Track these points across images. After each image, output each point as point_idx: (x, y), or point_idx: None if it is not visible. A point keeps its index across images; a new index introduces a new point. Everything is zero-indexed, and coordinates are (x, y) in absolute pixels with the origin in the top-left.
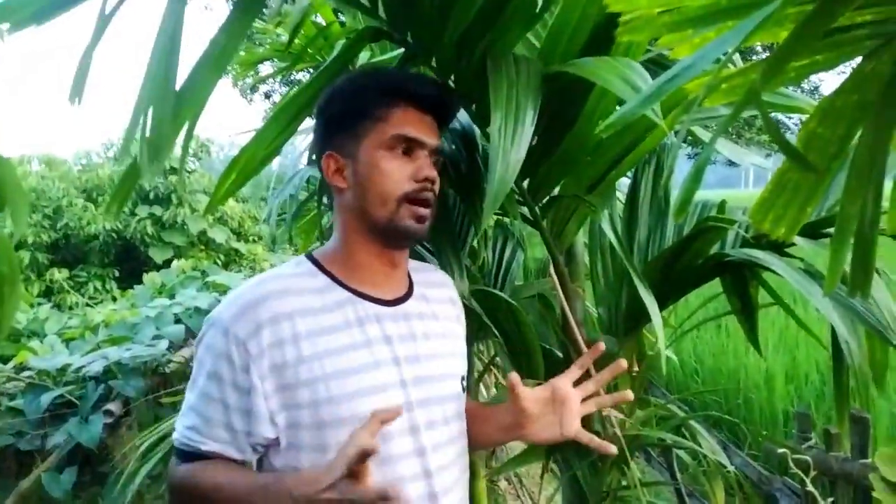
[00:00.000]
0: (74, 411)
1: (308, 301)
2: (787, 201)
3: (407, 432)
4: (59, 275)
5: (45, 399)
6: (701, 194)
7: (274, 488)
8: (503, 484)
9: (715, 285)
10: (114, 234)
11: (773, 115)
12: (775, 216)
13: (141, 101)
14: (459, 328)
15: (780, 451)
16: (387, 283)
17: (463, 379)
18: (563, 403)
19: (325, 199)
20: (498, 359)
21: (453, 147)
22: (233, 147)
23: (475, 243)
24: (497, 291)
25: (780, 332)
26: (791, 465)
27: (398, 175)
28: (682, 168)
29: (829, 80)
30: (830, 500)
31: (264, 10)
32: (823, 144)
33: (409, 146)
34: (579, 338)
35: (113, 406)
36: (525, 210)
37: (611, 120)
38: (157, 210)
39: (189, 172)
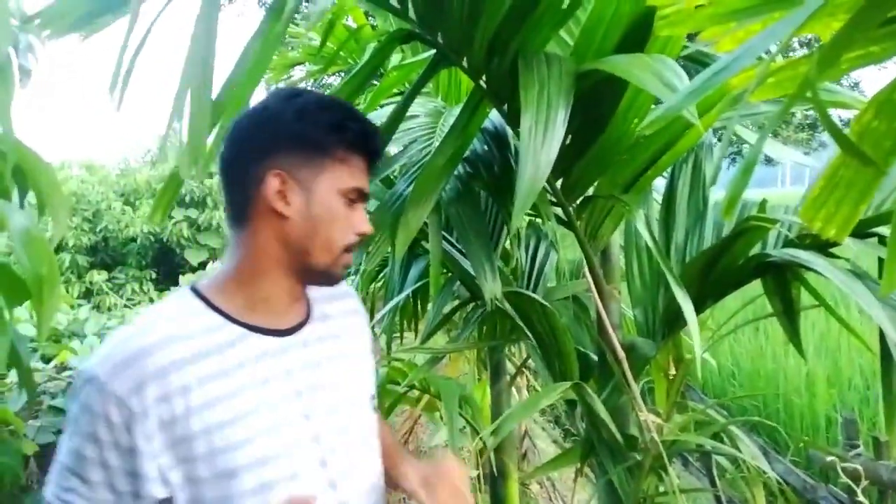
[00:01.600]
0: None
1: (197, 345)
2: (839, 199)
3: (317, 464)
4: (98, 277)
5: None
6: None
7: None
8: (535, 487)
9: (753, 287)
10: (151, 237)
11: (816, 112)
12: (827, 214)
13: (177, 108)
14: (364, 341)
15: (829, 458)
16: (286, 312)
17: (372, 398)
18: None
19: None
20: (530, 361)
21: (485, 148)
22: None
23: (507, 245)
24: (530, 293)
25: (821, 335)
26: (841, 473)
27: (347, 226)
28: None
29: (867, 78)
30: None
31: (296, 14)
32: (879, 138)
33: (357, 198)
34: (615, 340)
35: None
36: (559, 211)
37: (653, 116)
38: (193, 213)
39: None
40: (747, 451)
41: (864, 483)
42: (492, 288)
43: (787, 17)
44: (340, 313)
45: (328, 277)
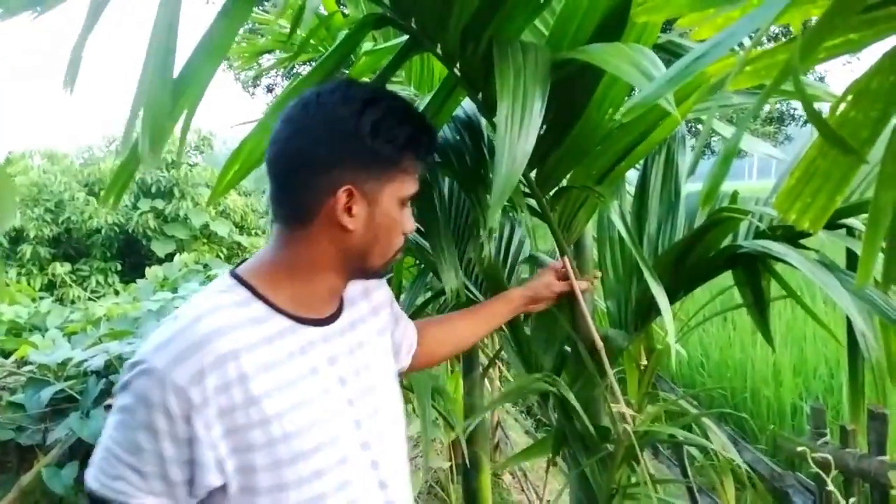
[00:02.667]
0: (76, 406)
1: (249, 335)
2: (815, 190)
3: (360, 448)
4: (60, 269)
5: (46, 394)
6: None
7: None
8: (507, 478)
9: (722, 279)
10: (116, 228)
11: (783, 106)
12: (802, 206)
13: (140, 90)
14: (385, 315)
15: (799, 448)
16: (326, 303)
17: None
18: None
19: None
20: (503, 352)
21: (457, 137)
22: (235, 141)
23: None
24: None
25: (787, 325)
26: (811, 463)
27: (402, 229)
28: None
29: (833, 71)
30: (852, 500)
31: (266, 1)
32: (855, 128)
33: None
34: (594, 331)
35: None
36: (533, 202)
37: (629, 105)
38: (160, 203)
39: (191, 166)
40: (718, 442)
41: (834, 472)
42: (452, 280)
43: (766, 3)
44: (359, 295)
45: (378, 275)
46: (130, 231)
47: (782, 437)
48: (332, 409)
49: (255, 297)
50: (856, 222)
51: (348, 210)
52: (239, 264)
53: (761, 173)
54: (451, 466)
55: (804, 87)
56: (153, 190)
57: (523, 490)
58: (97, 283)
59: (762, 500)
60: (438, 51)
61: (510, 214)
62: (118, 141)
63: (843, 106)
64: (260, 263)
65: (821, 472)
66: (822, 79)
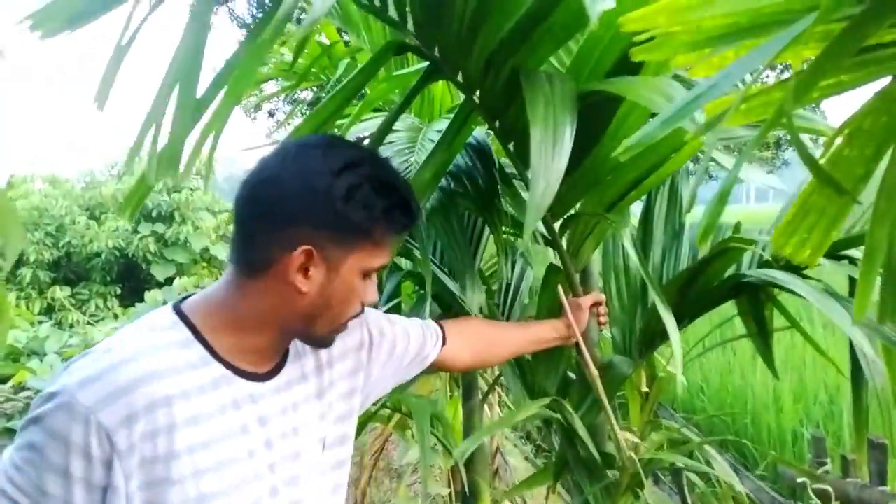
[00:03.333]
0: None
1: (184, 381)
2: (811, 225)
3: None
4: (60, 293)
5: None
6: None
7: None
8: None
9: (722, 308)
10: (116, 252)
11: (776, 132)
12: (799, 240)
13: (157, 106)
14: (341, 366)
15: (800, 480)
16: (266, 358)
17: (352, 417)
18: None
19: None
20: (503, 378)
21: (469, 163)
22: (234, 164)
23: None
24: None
25: (787, 351)
26: (811, 494)
27: (359, 299)
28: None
29: (830, 104)
30: None
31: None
32: (850, 166)
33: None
34: (589, 362)
35: None
36: (542, 228)
37: (633, 140)
38: (160, 227)
39: (192, 190)
40: (720, 469)
41: (835, 503)
42: (474, 299)
43: (761, 45)
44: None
45: (323, 344)
46: (130, 255)
47: (783, 465)
48: (254, 473)
49: (196, 338)
50: (857, 253)
51: (304, 271)
52: (184, 298)
53: (759, 198)
54: (450, 494)
55: (796, 130)
56: (154, 214)
57: None
58: (96, 306)
59: None
60: (459, 78)
61: (513, 242)
62: (120, 165)
63: (838, 141)
64: (206, 303)
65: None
66: (815, 108)
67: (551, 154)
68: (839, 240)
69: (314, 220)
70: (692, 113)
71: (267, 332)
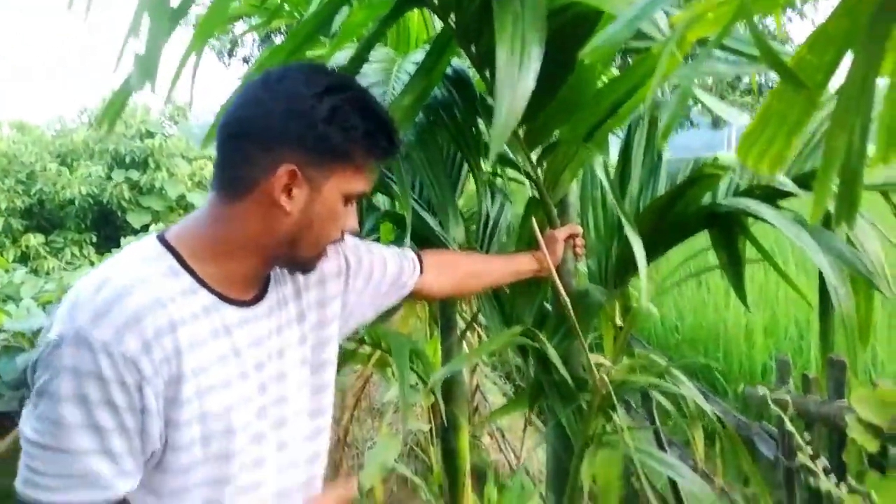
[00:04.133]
0: None
1: (180, 309)
2: (772, 134)
3: (257, 437)
4: (34, 240)
5: (21, 360)
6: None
7: None
8: (486, 439)
9: (698, 240)
10: (90, 199)
11: (761, 78)
12: (760, 150)
13: (135, 19)
14: (323, 289)
15: (761, 392)
16: (248, 284)
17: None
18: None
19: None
20: (481, 316)
21: (446, 93)
22: (209, 111)
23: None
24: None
25: (760, 288)
26: (771, 404)
27: (340, 224)
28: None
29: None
30: (807, 438)
31: None
32: (812, 71)
33: (356, 198)
34: (561, 290)
35: None
36: (520, 160)
37: (598, 41)
38: (134, 174)
39: (166, 137)
40: (688, 391)
41: (791, 411)
42: (455, 233)
43: None
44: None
45: (304, 268)
46: (105, 202)
47: (749, 387)
48: (247, 394)
49: (183, 268)
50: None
51: (288, 192)
52: (167, 228)
53: None
54: (430, 429)
55: (757, 28)
56: (127, 160)
57: (501, 450)
58: (72, 254)
59: (731, 443)
60: (435, 1)
61: (492, 180)
62: (91, 112)
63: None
64: (189, 232)
65: (781, 414)
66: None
67: (517, 72)
68: (813, 170)
69: (297, 142)
70: (657, 10)
71: (251, 257)
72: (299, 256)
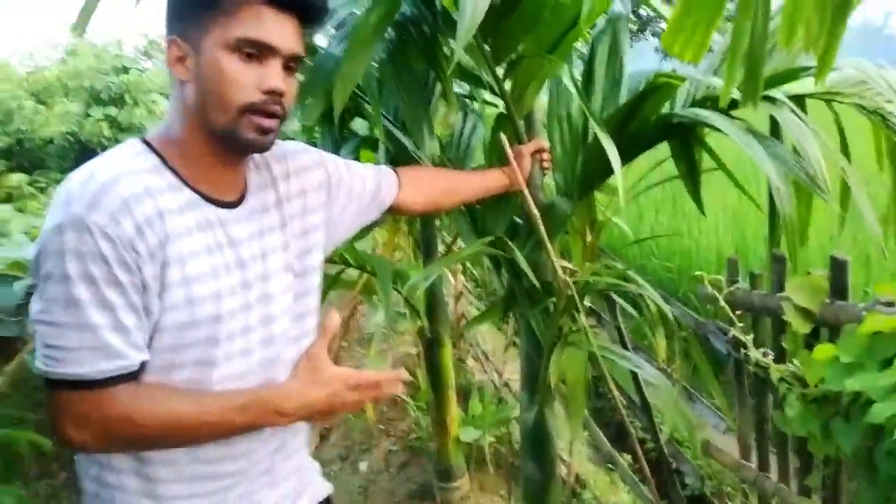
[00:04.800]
0: None
1: (167, 201)
2: (694, 23)
3: (245, 330)
4: (16, 180)
5: (19, 286)
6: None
7: (257, 404)
8: (470, 362)
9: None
10: (70, 138)
11: None
12: (684, 39)
13: None
14: (307, 198)
15: (710, 291)
16: (226, 184)
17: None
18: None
19: None
20: (459, 241)
21: (415, 11)
22: None
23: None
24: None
25: (733, 212)
26: (721, 301)
27: (242, 82)
28: (643, 55)
29: None
30: (751, 336)
31: None
32: None
33: (258, 51)
34: (530, 202)
35: None
36: (487, 75)
37: None
38: (113, 111)
39: (141, 72)
40: (647, 292)
41: (738, 313)
42: (430, 146)
43: None
44: (270, 181)
45: (233, 140)
46: (84, 140)
47: (700, 286)
48: (230, 287)
49: (165, 166)
50: (779, 94)
51: (181, 62)
52: (148, 131)
53: None
54: (417, 353)
55: None
56: (104, 97)
57: (485, 371)
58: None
59: (685, 340)
60: None
61: (465, 102)
62: (62, 46)
63: None
64: (165, 134)
65: (726, 307)
66: None
67: None
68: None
69: (173, 13)
70: None
71: (196, 141)
72: (214, 125)
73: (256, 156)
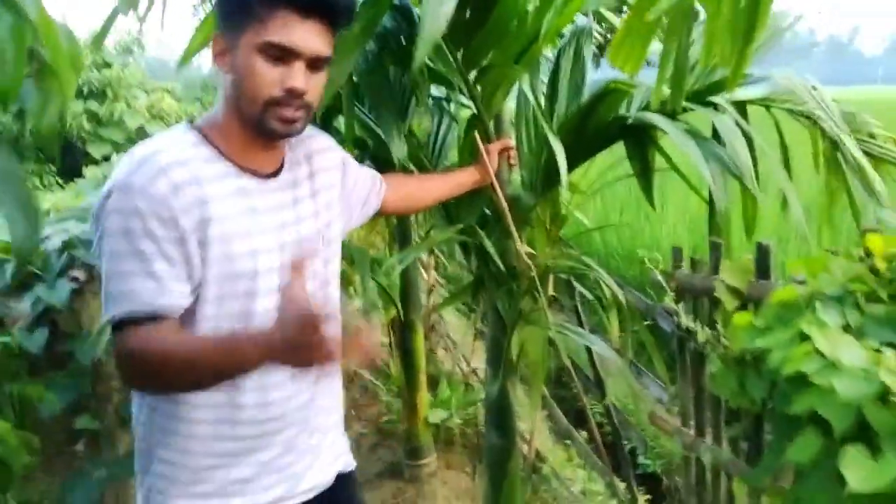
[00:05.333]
0: (40, 280)
1: (204, 169)
2: (632, 42)
3: (275, 290)
4: None
5: (9, 268)
6: None
7: (259, 340)
8: (441, 353)
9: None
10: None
11: None
12: (625, 54)
13: None
14: (329, 175)
15: (659, 277)
16: (263, 159)
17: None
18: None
19: None
20: (434, 231)
21: (394, 23)
22: (161, 45)
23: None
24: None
25: (695, 211)
26: (664, 284)
27: (268, 80)
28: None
29: None
30: (692, 315)
31: None
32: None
33: (283, 54)
34: (500, 194)
35: (78, 273)
36: (458, 81)
37: None
38: (93, 105)
39: (123, 67)
40: (602, 276)
41: (672, 295)
42: (398, 150)
43: None
44: (304, 158)
45: (262, 128)
46: (64, 133)
47: (653, 273)
48: (267, 247)
49: (206, 142)
50: (721, 100)
51: (222, 56)
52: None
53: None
54: (390, 342)
55: None
56: (85, 91)
57: (454, 360)
58: (34, 185)
59: (634, 320)
60: None
61: (441, 104)
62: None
63: None
64: (210, 117)
65: (667, 289)
66: None
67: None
68: (704, 87)
69: (219, 13)
70: None
71: (234, 123)
72: (247, 114)
73: (319, 142)
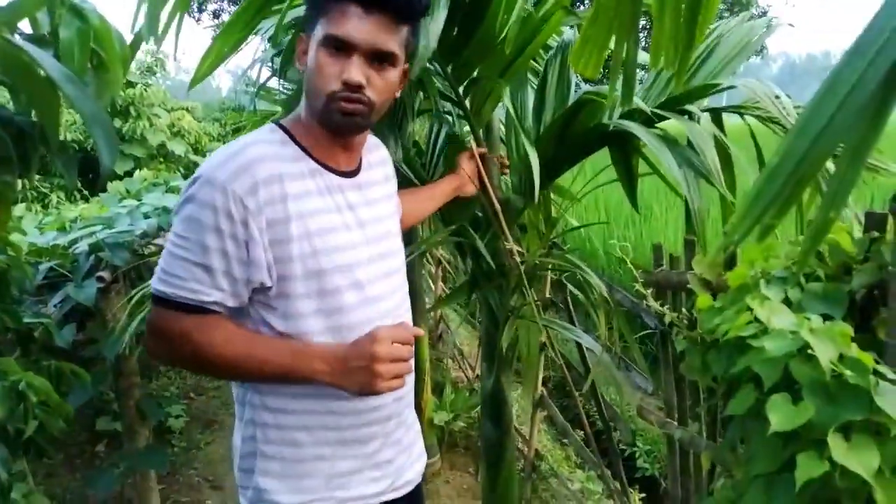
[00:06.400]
0: (69, 281)
1: (288, 167)
2: (590, 49)
3: (370, 279)
4: (21, 185)
5: (41, 269)
6: None
7: (305, 352)
8: (448, 361)
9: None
10: (74, 146)
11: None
12: (585, 60)
13: None
14: (392, 184)
15: (641, 279)
16: (342, 158)
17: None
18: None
19: None
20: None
21: None
22: (180, 71)
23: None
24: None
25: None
26: (638, 277)
27: (327, 73)
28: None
29: None
30: (668, 306)
31: None
32: (609, 8)
33: (340, 46)
34: (492, 196)
35: (104, 273)
36: (452, 94)
37: None
38: (117, 122)
39: (146, 86)
40: (589, 276)
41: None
42: (394, 155)
43: None
44: (378, 163)
45: (327, 121)
46: (88, 149)
47: (638, 273)
48: (352, 242)
49: (292, 140)
50: (693, 108)
51: (304, 55)
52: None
53: None
54: None
55: None
56: (108, 109)
57: (460, 368)
58: (58, 199)
59: (622, 319)
60: None
61: (440, 114)
62: None
63: None
64: (296, 114)
65: (642, 289)
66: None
67: (429, 18)
68: (677, 95)
69: (307, 9)
70: None
71: (313, 120)
72: (314, 108)
73: (370, 139)
